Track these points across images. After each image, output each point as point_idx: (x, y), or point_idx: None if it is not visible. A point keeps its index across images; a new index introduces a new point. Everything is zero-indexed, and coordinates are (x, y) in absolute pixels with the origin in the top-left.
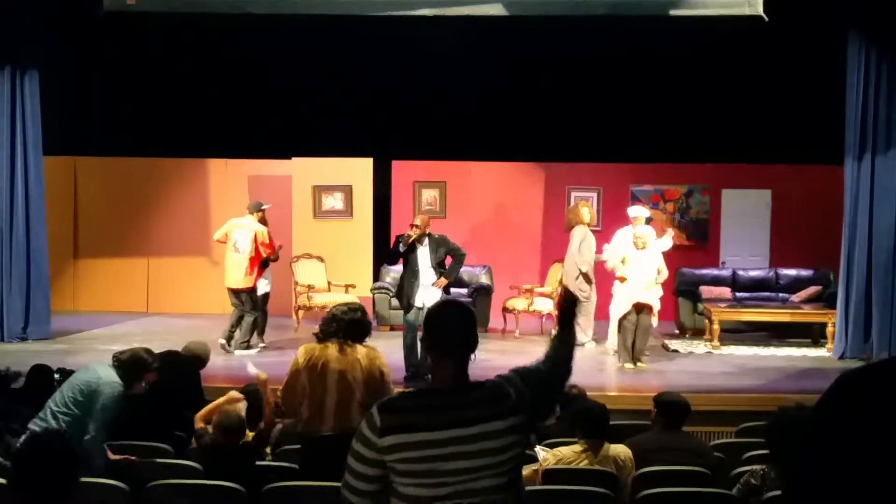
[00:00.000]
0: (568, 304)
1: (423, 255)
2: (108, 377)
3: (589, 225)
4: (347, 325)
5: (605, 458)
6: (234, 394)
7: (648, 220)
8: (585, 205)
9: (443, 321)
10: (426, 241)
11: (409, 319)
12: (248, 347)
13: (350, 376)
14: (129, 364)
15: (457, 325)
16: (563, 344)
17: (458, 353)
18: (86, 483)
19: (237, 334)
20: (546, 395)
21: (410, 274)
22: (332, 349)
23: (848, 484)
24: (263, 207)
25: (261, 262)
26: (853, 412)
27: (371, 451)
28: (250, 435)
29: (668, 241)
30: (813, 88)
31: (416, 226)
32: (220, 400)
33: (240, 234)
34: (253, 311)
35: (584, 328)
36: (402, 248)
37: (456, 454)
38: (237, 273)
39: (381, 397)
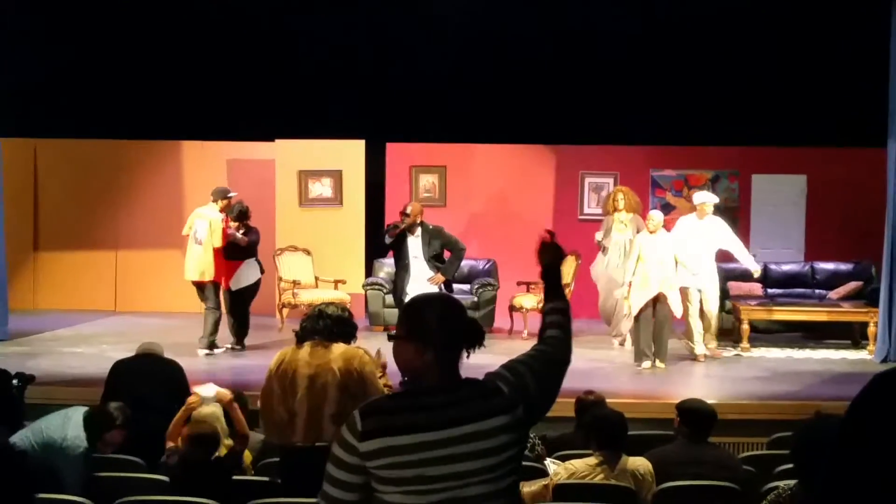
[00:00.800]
0: (550, 257)
1: (415, 246)
2: (74, 437)
3: (627, 210)
4: (335, 323)
5: (622, 471)
6: (192, 399)
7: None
8: (621, 191)
9: (427, 314)
10: (418, 231)
11: None
12: (212, 347)
13: (321, 381)
14: (92, 418)
15: (441, 317)
16: (556, 315)
17: (444, 348)
18: (51, 500)
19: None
20: (543, 383)
21: (401, 267)
22: (303, 353)
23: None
24: (230, 195)
25: (224, 254)
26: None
27: (352, 456)
28: (224, 450)
29: (747, 254)
30: (852, 64)
31: (406, 214)
32: (180, 413)
33: (199, 223)
34: (216, 308)
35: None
36: (387, 239)
37: (445, 457)
38: (196, 264)
39: (365, 400)
